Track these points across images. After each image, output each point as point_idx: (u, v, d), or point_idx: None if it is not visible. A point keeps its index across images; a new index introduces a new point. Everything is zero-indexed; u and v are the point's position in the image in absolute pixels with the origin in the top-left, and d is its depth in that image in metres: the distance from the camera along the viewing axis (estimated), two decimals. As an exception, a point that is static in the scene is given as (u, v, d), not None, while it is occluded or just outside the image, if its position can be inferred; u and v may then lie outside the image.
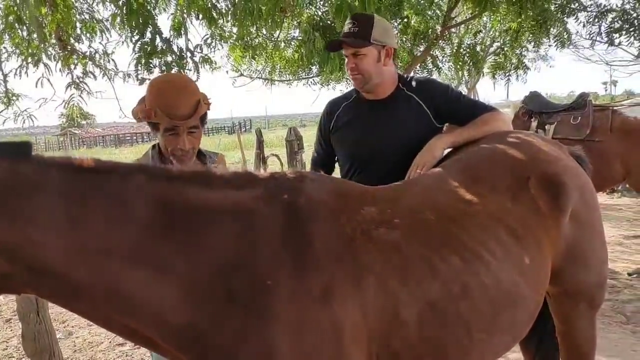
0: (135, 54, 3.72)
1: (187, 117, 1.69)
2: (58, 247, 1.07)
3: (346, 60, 2.08)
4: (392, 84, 2.12)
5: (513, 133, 1.98)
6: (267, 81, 7.81)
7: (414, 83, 2.13)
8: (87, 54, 4.05)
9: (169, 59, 3.83)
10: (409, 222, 1.45)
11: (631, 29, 5.15)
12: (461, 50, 7.53)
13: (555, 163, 1.75)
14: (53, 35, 3.81)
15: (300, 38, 5.75)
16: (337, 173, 2.36)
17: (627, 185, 4.49)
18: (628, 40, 5.34)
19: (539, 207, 1.62)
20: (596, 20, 5.64)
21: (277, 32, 5.45)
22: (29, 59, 3.79)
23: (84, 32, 4.14)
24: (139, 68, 3.82)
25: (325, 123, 2.25)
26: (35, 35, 3.66)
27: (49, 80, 3.87)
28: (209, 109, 1.81)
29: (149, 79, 3.93)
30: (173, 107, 1.67)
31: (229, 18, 4.09)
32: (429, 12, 5.23)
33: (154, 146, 1.91)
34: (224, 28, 4.77)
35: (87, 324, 4.12)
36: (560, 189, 1.65)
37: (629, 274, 4.45)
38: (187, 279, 1.17)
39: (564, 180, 1.67)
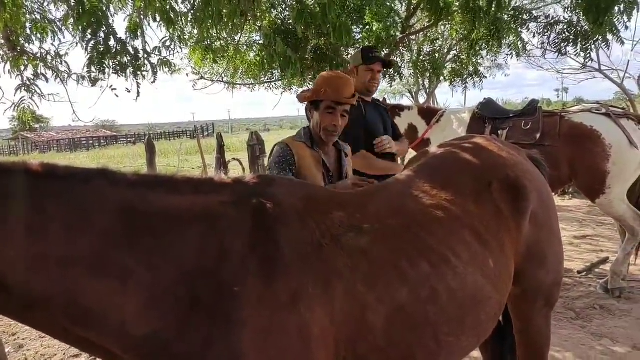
0: (88, 54, 3.60)
1: (349, 98, 2.19)
2: (15, 257, 1.01)
3: (367, 73, 2.92)
4: None
5: (475, 138, 2.04)
6: (228, 85, 7.71)
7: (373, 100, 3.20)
8: (38, 55, 3.88)
9: (124, 60, 3.72)
10: (377, 227, 1.46)
11: (577, 40, 5.41)
12: (420, 57, 7.69)
13: (516, 167, 1.80)
14: (1, 36, 3.63)
15: (261, 42, 5.71)
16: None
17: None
18: (575, 50, 5.60)
19: (501, 211, 1.67)
20: (546, 31, 5.90)
21: (239, 35, 5.41)
22: (-26, 60, 3.59)
23: (35, 33, 3.96)
24: (92, 69, 3.70)
25: None
26: (-20, 35, 3.48)
27: (-4, 81, 3.69)
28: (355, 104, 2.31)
29: (102, 79, 3.82)
30: (340, 89, 2.17)
31: (189, 19, 4.02)
32: (389, 20, 5.31)
33: (302, 129, 2.35)
34: (184, 30, 4.69)
35: (40, 336, 3.91)
36: (521, 192, 1.71)
37: (579, 272, 4.67)
38: (150, 288, 1.13)
39: (524, 184, 1.73)
